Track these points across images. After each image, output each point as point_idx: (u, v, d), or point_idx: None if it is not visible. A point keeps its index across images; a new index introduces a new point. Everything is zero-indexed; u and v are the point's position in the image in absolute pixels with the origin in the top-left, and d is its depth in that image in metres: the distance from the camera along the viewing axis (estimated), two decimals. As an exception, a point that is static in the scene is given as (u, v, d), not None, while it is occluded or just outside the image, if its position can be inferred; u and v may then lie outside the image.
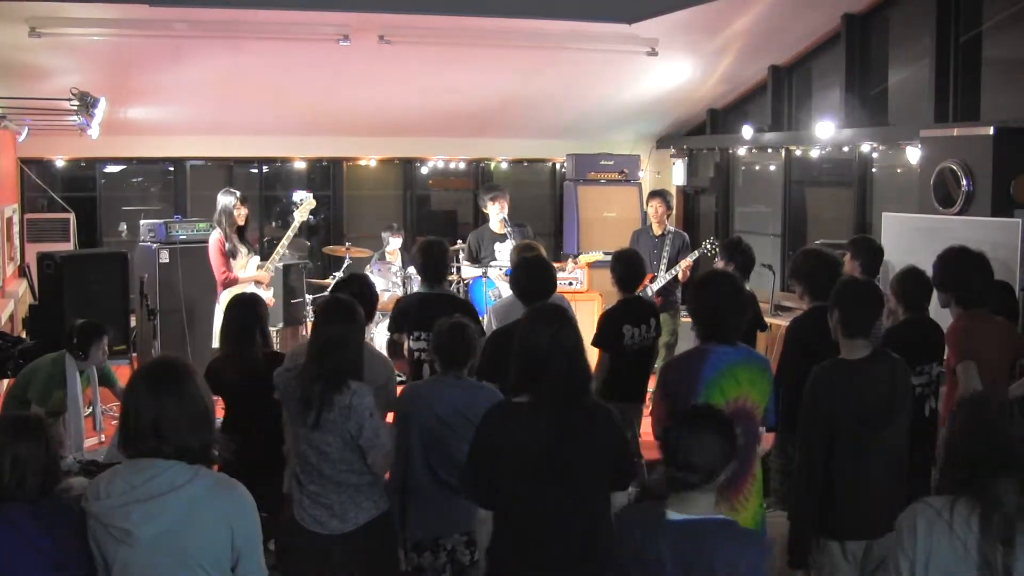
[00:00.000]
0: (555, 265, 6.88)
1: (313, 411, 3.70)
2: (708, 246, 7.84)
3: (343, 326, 3.82)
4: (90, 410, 6.10)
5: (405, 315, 5.54)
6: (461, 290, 8.26)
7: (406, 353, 5.53)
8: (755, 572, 2.78)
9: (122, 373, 8.04)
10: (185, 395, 2.72)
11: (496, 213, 7.93)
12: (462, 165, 11.82)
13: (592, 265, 8.82)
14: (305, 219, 7.72)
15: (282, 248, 7.62)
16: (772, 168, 10.67)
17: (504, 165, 11.91)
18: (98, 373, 5.95)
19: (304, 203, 7.69)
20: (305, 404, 3.72)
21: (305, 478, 3.81)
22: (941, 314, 4.92)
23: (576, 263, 8.71)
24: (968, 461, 2.68)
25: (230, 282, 7.25)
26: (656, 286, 7.78)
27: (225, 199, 7.38)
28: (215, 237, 7.31)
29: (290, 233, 7.58)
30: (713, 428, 2.85)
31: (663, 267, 7.87)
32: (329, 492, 3.76)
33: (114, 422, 7.36)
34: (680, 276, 7.85)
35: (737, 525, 2.95)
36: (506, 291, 7.76)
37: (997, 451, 2.65)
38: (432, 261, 5.55)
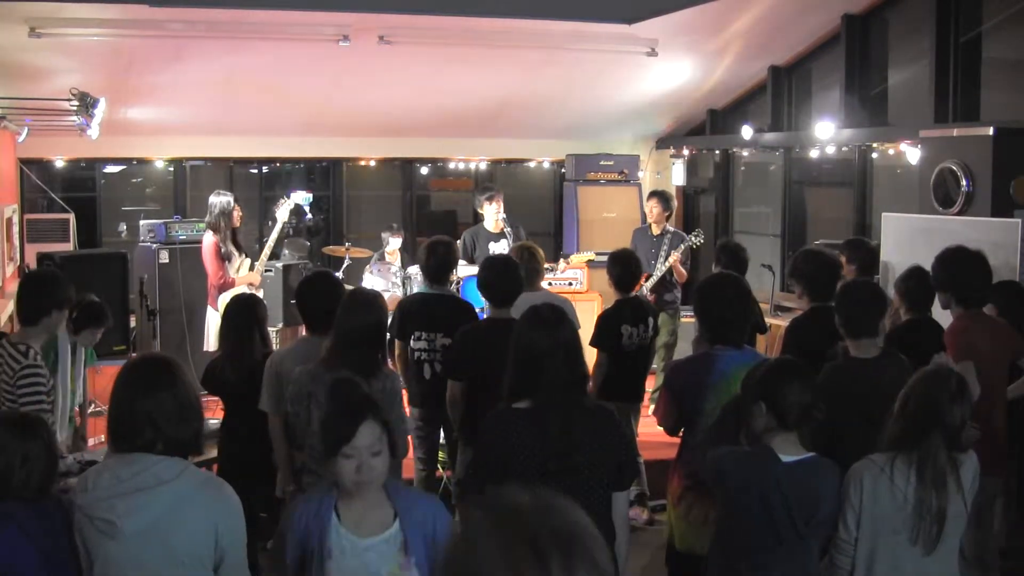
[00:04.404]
0: (548, 265, 6.90)
1: None
2: (694, 239, 7.89)
3: (367, 316, 3.87)
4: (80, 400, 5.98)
5: (407, 316, 5.54)
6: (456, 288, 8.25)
7: (403, 353, 5.54)
8: (836, 490, 3.33)
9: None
10: (171, 389, 2.73)
11: (493, 213, 7.91)
12: (462, 165, 11.81)
13: (591, 265, 8.81)
14: (287, 219, 7.71)
15: (268, 249, 7.60)
16: (772, 168, 10.66)
17: (504, 165, 11.90)
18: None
19: (286, 202, 7.70)
20: None
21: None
22: (943, 315, 4.91)
23: (568, 263, 8.71)
24: (908, 420, 3.24)
25: (227, 285, 7.24)
26: (650, 284, 7.78)
27: (221, 200, 7.34)
28: (209, 241, 7.28)
29: (274, 235, 7.57)
30: (807, 377, 3.34)
31: (662, 267, 7.87)
32: None
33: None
34: (673, 269, 7.85)
35: (821, 458, 3.37)
36: None
37: (928, 411, 3.21)
38: (437, 261, 5.55)
